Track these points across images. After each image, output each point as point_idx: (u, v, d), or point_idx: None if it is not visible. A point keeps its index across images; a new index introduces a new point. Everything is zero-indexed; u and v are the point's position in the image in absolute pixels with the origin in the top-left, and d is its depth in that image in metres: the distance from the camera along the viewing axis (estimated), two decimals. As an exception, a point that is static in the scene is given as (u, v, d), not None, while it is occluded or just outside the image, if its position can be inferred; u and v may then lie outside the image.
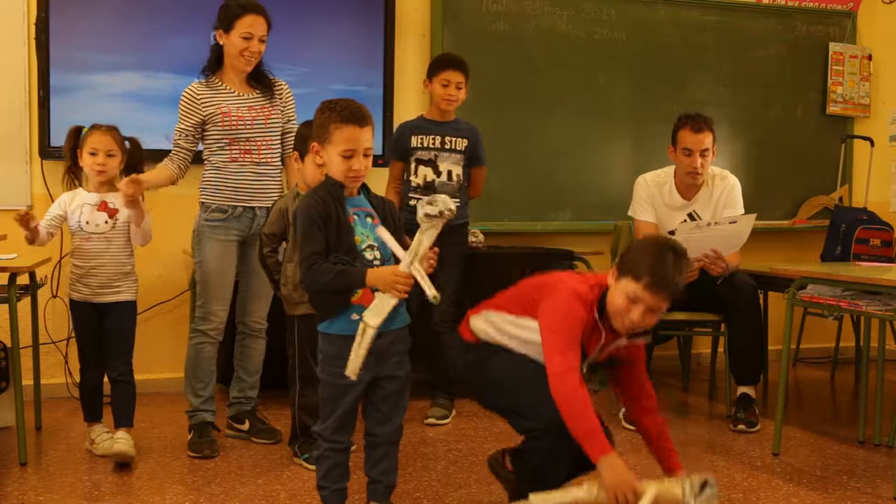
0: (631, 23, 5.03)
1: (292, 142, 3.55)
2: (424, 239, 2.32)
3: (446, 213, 2.28)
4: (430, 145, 3.85)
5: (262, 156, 3.45)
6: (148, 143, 3.63)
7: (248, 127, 3.42)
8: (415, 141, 3.84)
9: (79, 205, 3.24)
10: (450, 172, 3.86)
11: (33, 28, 4.08)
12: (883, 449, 3.51)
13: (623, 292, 2.34)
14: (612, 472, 2.18)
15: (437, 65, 3.91)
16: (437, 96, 3.86)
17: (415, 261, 2.31)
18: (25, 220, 3.13)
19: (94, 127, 3.26)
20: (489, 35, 4.79)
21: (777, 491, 3.01)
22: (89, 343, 3.29)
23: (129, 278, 3.30)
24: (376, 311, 2.33)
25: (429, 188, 3.82)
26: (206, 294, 3.43)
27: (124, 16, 4.20)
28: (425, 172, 3.84)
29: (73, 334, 4.19)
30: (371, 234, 2.45)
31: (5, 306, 3.15)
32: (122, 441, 3.17)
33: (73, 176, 3.31)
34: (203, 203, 3.44)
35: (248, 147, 3.42)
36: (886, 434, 3.59)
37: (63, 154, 3.31)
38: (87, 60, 4.13)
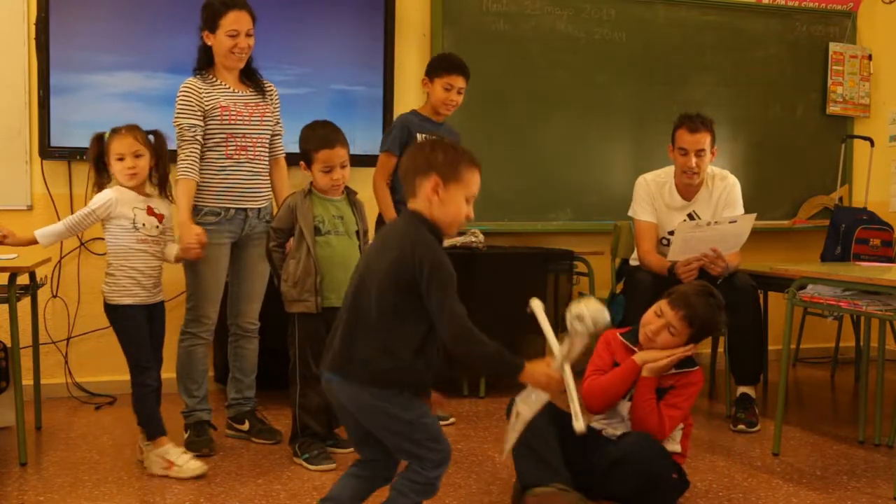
0: (631, 23, 5.03)
1: (280, 145, 3.58)
2: (576, 343, 2.20)
3: (599, 327, 2.20)
4: None
5: (256, 153, 3.44)
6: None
7: (245, 123, 3.40)
8: (420, 139, 3.68)
9: (131, 206, 3.12)
10: None
11: (33, 28, 4.08)
12: (883, 449, 3.51)
13: (656, 308, 2.81)
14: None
15: (442, 67, 3.77)
16: (438, 99, 3.75)
17: (565, 363, 2.20)
18: None
19: (114, 131, 3.14)
20: (489, 35, 4.79)
21: (777, 491, 3.01)
22: (147, 345, 3.14)
23: (161, 278, 3.25)
24: (530, 404, 2.27)
25: None
26: (198, 297, 3.40)
27: (124, 16, 4.20)
28: None
29: (73, 334, 4.22)
30: None
31: (5, 306, 3.15)
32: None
33: (101, 186, 3.18)
34: (195, 206, 3.37)
35: (244, 143, 3.40)
36: (886, 434, 3.59)
37: (89, 163, 3.18)
38: (87, 60, 4.13)
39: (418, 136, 3.70)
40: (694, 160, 3.87)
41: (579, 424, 2.21)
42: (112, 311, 3.13)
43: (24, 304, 3.46)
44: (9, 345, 3.30)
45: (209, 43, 3.38)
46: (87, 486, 2.96)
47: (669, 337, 2.76)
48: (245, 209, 3.43)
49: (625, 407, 2.81)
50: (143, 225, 3.12)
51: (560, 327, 4.66)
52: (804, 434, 3.73)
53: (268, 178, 3.53)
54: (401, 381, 2.16)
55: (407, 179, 2.24)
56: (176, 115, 3.34)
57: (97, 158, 3.14)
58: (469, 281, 4.12)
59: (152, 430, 3.11)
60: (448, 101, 3.74)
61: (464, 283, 3.91)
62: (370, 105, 4.55)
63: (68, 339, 4.23)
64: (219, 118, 3.36)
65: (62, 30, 4.07)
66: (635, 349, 2.83)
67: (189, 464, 3.06)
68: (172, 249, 3.23)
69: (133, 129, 3.15)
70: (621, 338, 2.90)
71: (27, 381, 3.58)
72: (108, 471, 3.13)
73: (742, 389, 3.86)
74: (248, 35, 3.37)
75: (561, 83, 4.93)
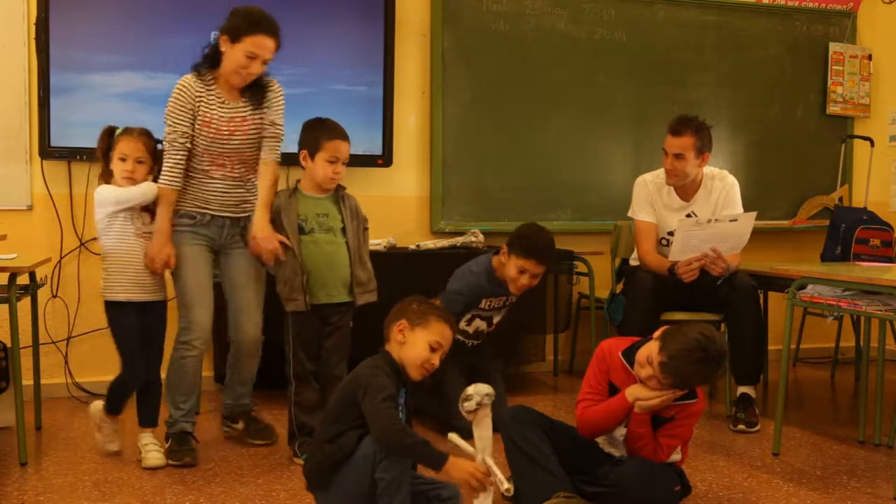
0: (631, 23, 5.03)
1: (276, 146, 3.34)
2: (483, 430, 2.38)
3: (485, 399, 2.36)
4: (496, 305, 3.68)
5: (234, 170, 3.30)
6: (148, 143, 3.63)
7: (224, 140, 3.24)
8: (484, 303, 3.64)
9: (136, 203, 3.16)
10: (497, 322, 3.75)
11: (33, 28, 4.08)
12: (883, 449, 3.52)
13: (648, 351, 2.56)
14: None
15: (522, 250, 3.49)
16: (510, 278, 3.53)
17: (485, 455, 2.37)
18: None
19: (126, 131, 3.17)
20: (489, 35, 4.78)
21: (777, 491, 3.01)
22: (139, 344, 3.18)
23: (161, 276, 3.25)
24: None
25: (478, 336, 3.72)
26: (185, 303, 3.26)
27: (124, 16, 4.19)
28: (479, 325, 3.70)
29: (73, 334, 4.21)
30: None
31: (5, 306, 3.15)
32: (153, 454, 3.18)
33: (107, 179, 3.19)
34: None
35: (221, 162, 3.27)
36: (886, 434, 3.59)
37: (97, 155, 3.21)
38: (87, 60, 4.13)
39: (483, 301, 3.64)
40: (670, 162, 3.88)
41: (503, 487, 2.36)
42: (107, 307, 3.20)
43: (24, 304, 3.46)
44: (9, 345, 3.30)
45: (223, 49, 3.18)
46: (87, 486, 2.97)
47: (660, 385, 2.57)
48: (223, 216, 3.31)
49: (620, 432, 2.69)
50: (144, 223, 3.19)
51: (559, 325, 4.55)
52: (804, 434, 3.73)
53: (251, 190, 3.35)
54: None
55: (386, 327, 2.52)
56: (167, 116, 3.22)
57: (104, 152, 3.20)
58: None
59: (115, 408, 3.28)
60: (520, 284, 3.52)
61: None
62: (370, 105, 4.55)
63: (68, 339, 4.23)
64: (200, 129, 3.21)
65: (62, 30, 4.07)
66: (632, 371, 2.65)
67: (107, 445, 3.30)
68: None
69: (144, 134, 3.21)
70: (621, 357, 2.69)
71: (27, 381, 3.58)
72: (108, 471, 3.13)
73: (742, 389, 3.85)
74: (264, 62, 3.20)
75: (561, 83, 4.93)
